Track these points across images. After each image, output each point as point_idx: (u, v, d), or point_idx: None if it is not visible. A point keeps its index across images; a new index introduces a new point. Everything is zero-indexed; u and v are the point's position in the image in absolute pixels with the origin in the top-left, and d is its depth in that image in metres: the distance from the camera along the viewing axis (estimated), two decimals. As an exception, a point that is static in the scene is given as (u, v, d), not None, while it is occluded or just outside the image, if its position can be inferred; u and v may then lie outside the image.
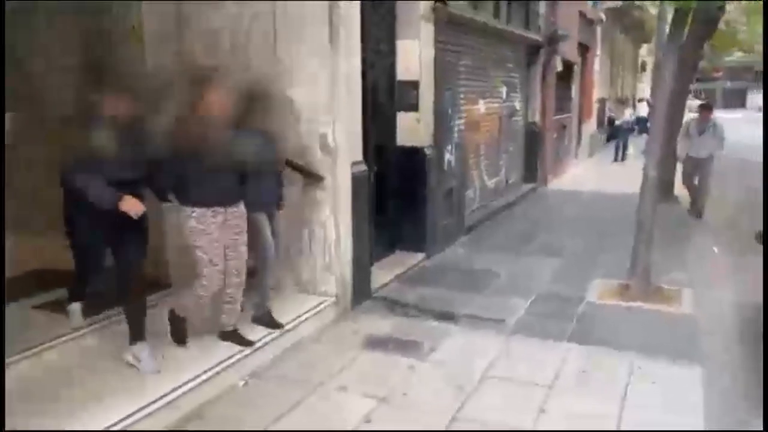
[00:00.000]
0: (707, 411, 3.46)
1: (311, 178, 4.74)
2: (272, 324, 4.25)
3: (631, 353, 4.17)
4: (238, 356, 3.86)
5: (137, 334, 3.57)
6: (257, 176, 3.95)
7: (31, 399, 3.18)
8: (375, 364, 4.07)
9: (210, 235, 3.58)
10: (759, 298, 4.74)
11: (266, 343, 4.10)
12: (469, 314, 4.91)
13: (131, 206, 3.29)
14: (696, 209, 9.04)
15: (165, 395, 3.31)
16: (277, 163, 4.24)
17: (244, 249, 3.84)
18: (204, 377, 3.55)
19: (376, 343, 4.37)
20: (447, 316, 4.88)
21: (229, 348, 3.91)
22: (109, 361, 3.64)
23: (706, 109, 9.08)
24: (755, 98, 56.72)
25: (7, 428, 2.61)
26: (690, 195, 9.26)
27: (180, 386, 3.41)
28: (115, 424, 3.01)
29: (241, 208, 3.79)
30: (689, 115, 10.05)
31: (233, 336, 3.97)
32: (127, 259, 3.52)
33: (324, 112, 4.70)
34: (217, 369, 3.68)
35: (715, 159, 8.98)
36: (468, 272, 6.07)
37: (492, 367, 4.02)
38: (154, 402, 3.24)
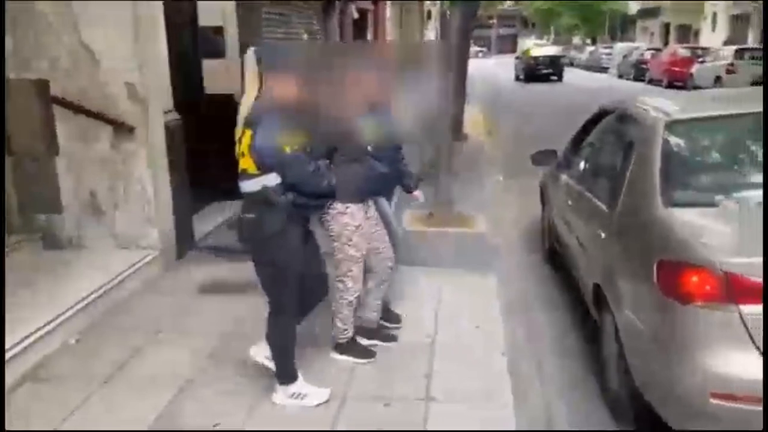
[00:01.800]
0: (503, 305, 4.19)
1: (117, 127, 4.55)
2: (395, 319, 3.94)
3: (440, 269, 4.80)
4: (68, 314, 3.76)
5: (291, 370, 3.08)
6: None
7: None
8: (219, 306, 4.20)
9: (362, 230, 3.25)
10: (536, 213, 5.71)
11: (91, 301, 4.01)
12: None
13: None
14: None
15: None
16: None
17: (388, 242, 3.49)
18: (38, 335, 3.48)
19: (211, 287, 4.48)
20: (275, 256, 5.11)
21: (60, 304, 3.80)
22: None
23: None
24: (524, 43, 63.38)
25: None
26: None
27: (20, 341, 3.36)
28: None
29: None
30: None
31: (352, 348, 3.50)
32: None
33: (128, 57, 4.54)
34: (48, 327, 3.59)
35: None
36: (288, 215, 6.32)
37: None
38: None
